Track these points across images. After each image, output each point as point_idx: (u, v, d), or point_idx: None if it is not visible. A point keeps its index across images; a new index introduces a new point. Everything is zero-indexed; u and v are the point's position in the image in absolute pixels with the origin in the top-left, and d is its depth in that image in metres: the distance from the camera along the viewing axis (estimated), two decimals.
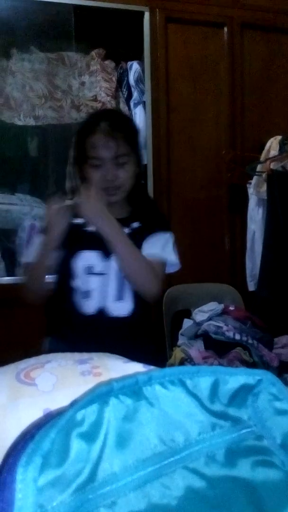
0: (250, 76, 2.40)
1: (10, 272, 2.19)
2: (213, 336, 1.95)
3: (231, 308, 2.03)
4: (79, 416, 0.35)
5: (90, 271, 1.20)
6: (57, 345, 1.25)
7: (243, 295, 2.34)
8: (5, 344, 2.16)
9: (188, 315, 2.20)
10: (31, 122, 2.18)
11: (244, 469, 0.44)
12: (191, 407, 0.44)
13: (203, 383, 0.46)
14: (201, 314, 2.10)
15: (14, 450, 0.28)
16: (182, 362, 1.96)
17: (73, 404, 0.36)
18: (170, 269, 1.29)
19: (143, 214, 1.29)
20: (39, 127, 2.22)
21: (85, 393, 0.37)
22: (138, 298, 1.23)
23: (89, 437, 0.35)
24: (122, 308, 1.22)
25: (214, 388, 0.46)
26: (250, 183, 2.29)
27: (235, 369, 0.47)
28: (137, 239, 1.23)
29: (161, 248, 1.25)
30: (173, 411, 0.43)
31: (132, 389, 0.42)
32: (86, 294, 1.20)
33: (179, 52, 2.29)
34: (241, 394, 0.47)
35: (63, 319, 1.25)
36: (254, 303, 2.24)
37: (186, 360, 1.96)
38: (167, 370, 0.45)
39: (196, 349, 1.97)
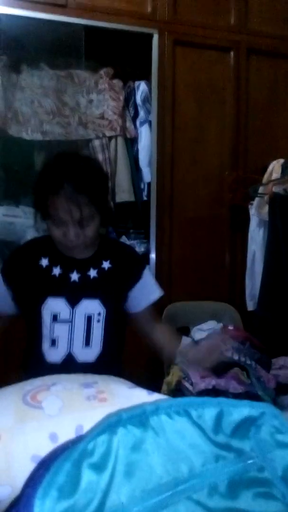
0: (255, 100, 2.44)
1: None
2: None
3: (230, 328, 2.04)
4: (90, 446, 0.36)
5: (55, 319, 1.15)
6: None
7: (242, 314, 2.35)
8: (3, 352, 2.16)
9: (187, 332, 2.21)
10: (38, 137, 2.21)
11: (245, 501, 0.45)
12: (195, 437, 0.45)
13: (208, 414, 0.47)
14: (200, 332, 2.11)
15: (31, 482, 0.29)
16: (179, 381, 1.96)
17: (85, 435, 0.37)
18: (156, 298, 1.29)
19: (110, 251, 1.23)
20: (46, 142, 2.25)
21: (96, 424, 0.38)
22: (106, 343, 1.19)
23: (99, 467, 0.36)
24: (89, 353, 1.17)
25: (218, 419, 0.47)
26: (252, 204, 2.32)
27: (239, 401, 0.48)
28: (108, 280, 1.19)
29: (152, 290, 1.26)
30: (178, 442, 0.44)
31: (139, 419, 0.43)
32: (53, 342, 1.15)
33: (186, 74, 2.34)
34: (244, 426, 0.48)
35: (31, 368, 1.18)
36: (253, 322, 2.25)
37: (183, 379, 1.96)
38: (174, 401, 0.46)
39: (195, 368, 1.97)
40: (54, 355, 1.15)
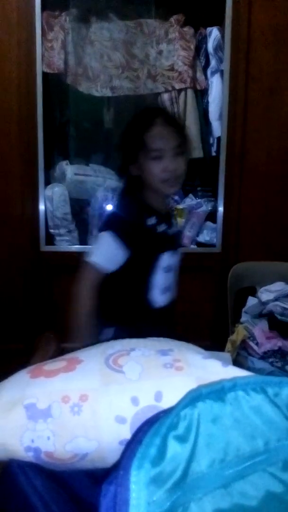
0: None
1: (82, 241, 2.29)
2: (279, 317, 1.94)
3: None
4: (175, 420, 0.39)
5: (168, 270, 1.30)
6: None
7: None
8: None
9: (253, 292, 2.19)
10: (108, 93, 2.19)
11: None
12: (271, 414, 0.47)
13: (285, 393, 0.48)
14: (267, 293, 2.09)
15: (127, 453, 0.33)
16: (244, 340, 1.98)
17: (170, 409, 0.40)
18: None
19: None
20: (115, 98, 2.23)
21: (179, 400, 0.41)
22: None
23: (182, 439, 0.39)
24: (171, 297, 1.34)
25: None
26: None
27: None
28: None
29: None
30: (255, 417, 0.46)
31: (218, 394, 0.45)
32: (165, 289, 1.30)
33: (263, 17, 2.14)
34: None
35: (135, 312, 1.30)
36: None
37: (248, 338, 1.98)
38: (251, 378, 0.48)
39: (260, 329, 1.97)
40: (163, 300, 1.30)
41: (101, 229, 1.26)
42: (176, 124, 1.25)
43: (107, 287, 1.23)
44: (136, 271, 1.27)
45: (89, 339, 1.12)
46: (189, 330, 2.28)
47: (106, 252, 1.22)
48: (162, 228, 1.28)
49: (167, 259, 1.28)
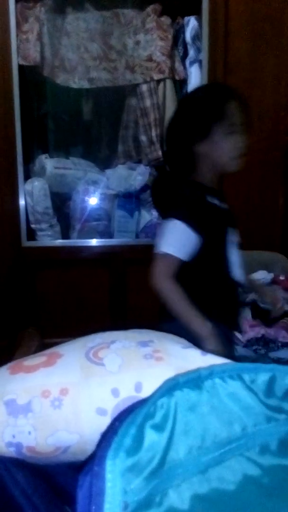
0: None
1: (64, 235, 2.28)
2: (261, 305, 1.96)
3: (281, 278, 2.02)
4: (151, 409, 0.40)
5: (236, 245, 1.29)
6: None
7: None
8: (60, 301, 2.29)
9: None
10: (86, 84, 2.16)
11: None
12: (248, 400, 0.48)
13: (260, 379, 0.49)
14: None
15: (102, 444, 0.33)
16: None
17: (147, 399, 0.40)
18: None
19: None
20: (94, 89, 2.21)
21: (156, 389, 0.42)
22: None
23: (160, 428, 0.40)
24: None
25: (271, 384, 0.49)
26: None
27: None
28: None
29: None
30: (232, 404, 0.47)
31: (195, 383, 0.46)
32: (241, 265, 1.30)
33: (240, 7, 2.14)
34: None
35: (229, 294, 1.29)
36: None
37: None
38: (227, 366, 0.49)
39: (243, 317, 1.99)
40: (243, 277, 1.32)
41: (169, 216, 1.18)
42: (244, 101, 1.24)
43: (194, 282, 1.18)
44: (215, 251, 1.24)
45: (203, 317, 1.09)
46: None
47: (179, 241, 1.16)
48: (221, 205, 1.27)
49: (233, 234, 1.29)
